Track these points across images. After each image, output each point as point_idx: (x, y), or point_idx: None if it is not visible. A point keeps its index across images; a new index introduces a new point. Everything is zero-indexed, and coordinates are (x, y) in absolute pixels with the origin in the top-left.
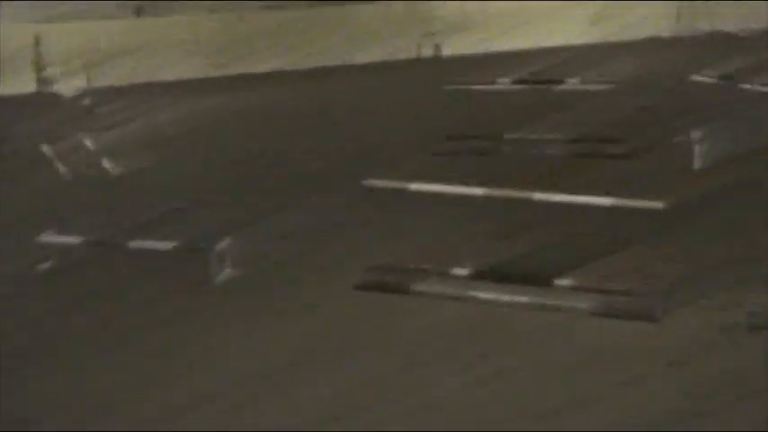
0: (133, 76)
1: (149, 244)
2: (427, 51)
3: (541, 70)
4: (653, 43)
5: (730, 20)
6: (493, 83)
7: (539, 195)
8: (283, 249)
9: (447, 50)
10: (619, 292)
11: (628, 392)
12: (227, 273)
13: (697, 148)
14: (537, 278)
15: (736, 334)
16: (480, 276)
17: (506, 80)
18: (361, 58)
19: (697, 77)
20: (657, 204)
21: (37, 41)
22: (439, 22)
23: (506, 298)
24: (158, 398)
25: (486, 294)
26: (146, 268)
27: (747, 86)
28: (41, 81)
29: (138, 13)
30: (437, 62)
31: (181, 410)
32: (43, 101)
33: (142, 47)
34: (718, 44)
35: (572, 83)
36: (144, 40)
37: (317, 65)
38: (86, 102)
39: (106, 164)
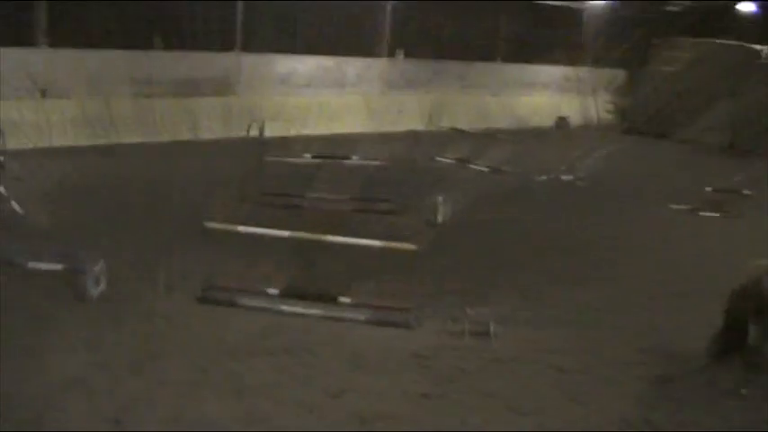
0: (36, 141)
1: (43, 265)
2: (254, 133)
3: (334, 149)
4: (411, 135)
5: (462, 121)
6: (300, 156)
7: (330, 237)
8: (141, 274)
9: (268, 133)
10: (385, 307)
11: (383, 379)
12: (101, 288)
13: (440, 208)
14: (326, 296)
15: (463, 337)
16: (286, 294)
17: (309, 155)
18: (205, 135)
19: (440, 159)
20: (412, 246)
21: None
22: (264, 113)
23: (304, 311)
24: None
25: (290, 308)
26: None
27: (473, 166)
28: None
29: (43, 94)
30: (260, 141)
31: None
32: None
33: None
34: (454, 137)
35: (355, 159)
36: (46, 116)
37: (172, 140)
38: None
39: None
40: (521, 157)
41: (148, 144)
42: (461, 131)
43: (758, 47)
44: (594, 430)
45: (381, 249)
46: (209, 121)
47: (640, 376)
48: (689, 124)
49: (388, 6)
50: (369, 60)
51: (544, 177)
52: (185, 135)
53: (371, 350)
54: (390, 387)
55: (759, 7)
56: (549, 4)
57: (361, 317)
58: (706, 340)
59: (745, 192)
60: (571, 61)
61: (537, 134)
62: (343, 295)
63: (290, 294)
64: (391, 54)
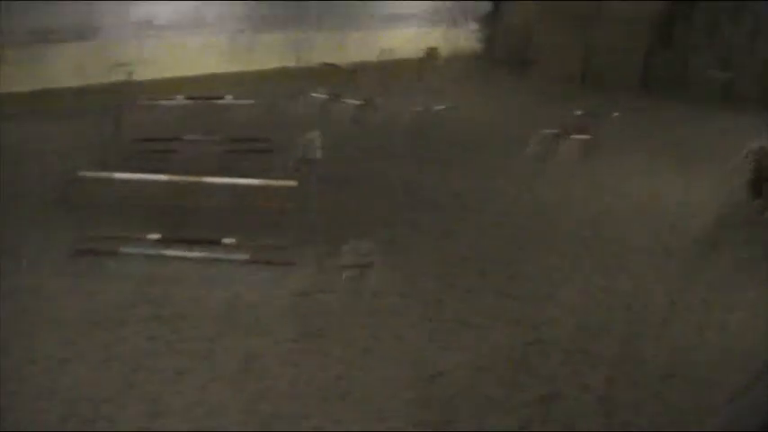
0: None
1: None
2: (121, 77)
3: (205, 90)
4: (282, 72)
5: (332, 56)
6: (172, 99)
7: (208, 179)
8: (16, 226)
9: (136, 77)
10: (268, 246)
11: (267, 312)
12: None
13: (316, 145)
14: (210, 239)
15: (340, 273)
16: (168, 240)
17: (181, 97)
18: (75, 82)
19: (314, 95)
20: (292, 183)
21: None
22: (131, 57)
23: (188, 255)
24: None
25: (173, 252)
26: None
27: (346, 101)
28: None
29: None
30: (131, 85)
31: None
32: None
33: None
34: (326, 72)
35: (228, 98)
36: None
37: (39, 87)
38: None
39: None
40: (393, 90)
41: (12, 94)
42: (333, 66)
43: None
44: (469, 375)
45: (262, 188)
46: (72, 69)
47: (510, 321)
48: (552, 54)
49: None
50: None
51: (419, 108)
52: (51, 83)
53: (255, 291)
54: (268, 334)
55: None
56: None
57: (244, 257)
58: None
59: (615, 114)
60: None
61: (407, 66)
62: (226, 236)
63: (171, 239)
64: None
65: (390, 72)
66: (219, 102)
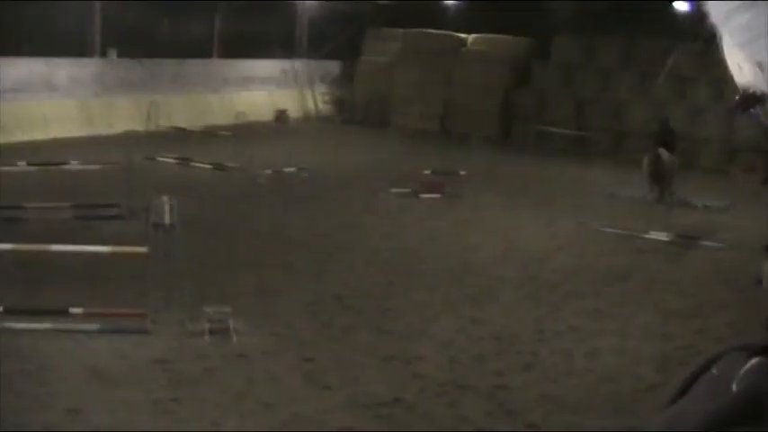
0: None
1: None
2: None
3: (50, 155)
4: (131, 136)
5: (182, 120)
6: (14, 165)
7: (55, 247)
8: None
9: None
10: (118, 314)
11: (126, 389)
12: None
13: (166, 209)
14: (56, 309)
15: (203, 337)
16: (13, 311)
17: (24, 163)
18: None
19: (162, 158)
20: (143, 250)
21: None
22: None
23: (35, 326)
24: None
25: (19, 325)
26: None
27: (196, 164)
28: None
29: None
30: None
31: None
32: None
33: None
34: (175, 136)
35: (74, 164)
36: None
37: None
38: None
39: None
40: (244, 153)
41: None
42: (182, 130)
43: (464, 35)
44: (348, 414)
45: (111, 255)
46: None
47: (387, 357)
48: (404, 112)
49: (97, 4)
50: (81, 61)
51: (268, 171)
52: None
53: (110, 361)
54: (135, 396)
55: None
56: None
57: (95, 327)
58: None
59: (462, 172)
60: (287, 55)
61: (258, 129)
62: (74, 306)
63: (16, 311)
64: (103, 54)
65: (242, 134)
66: (65, 167)
